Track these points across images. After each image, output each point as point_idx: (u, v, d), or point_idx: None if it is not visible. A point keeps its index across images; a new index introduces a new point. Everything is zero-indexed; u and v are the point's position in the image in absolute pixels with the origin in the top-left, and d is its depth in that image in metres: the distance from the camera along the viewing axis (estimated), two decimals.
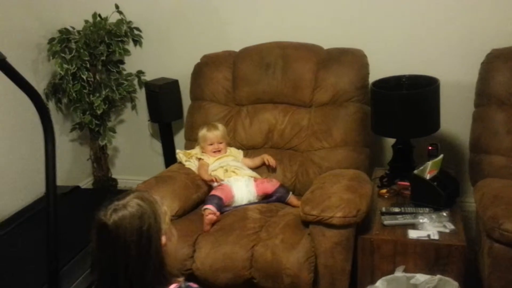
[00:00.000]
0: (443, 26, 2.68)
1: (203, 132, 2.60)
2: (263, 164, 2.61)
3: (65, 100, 3.30)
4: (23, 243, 2.54)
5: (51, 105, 3.30)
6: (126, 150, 3.67)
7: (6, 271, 2.30)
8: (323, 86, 2.60)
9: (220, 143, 2.60)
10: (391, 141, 2.59)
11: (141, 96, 3.39)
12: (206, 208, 2.28)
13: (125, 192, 1.29)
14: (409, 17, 2.72)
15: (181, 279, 1.36)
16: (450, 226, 2.09)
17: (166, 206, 1.35)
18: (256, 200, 2.44)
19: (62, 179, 3.45)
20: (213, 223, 2.24)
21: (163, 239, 1.30)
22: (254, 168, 2.61)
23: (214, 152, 2.58)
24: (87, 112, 3.23)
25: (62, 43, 3.11)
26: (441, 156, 2.32)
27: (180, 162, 2.67)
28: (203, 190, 2.49)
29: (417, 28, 2.72)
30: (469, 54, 2.59)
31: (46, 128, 1.98)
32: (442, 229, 2.08)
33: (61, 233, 2.13)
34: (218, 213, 2.27)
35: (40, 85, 3.23)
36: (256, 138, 2.70)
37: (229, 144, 2.69)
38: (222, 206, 2.34)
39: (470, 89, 2.49)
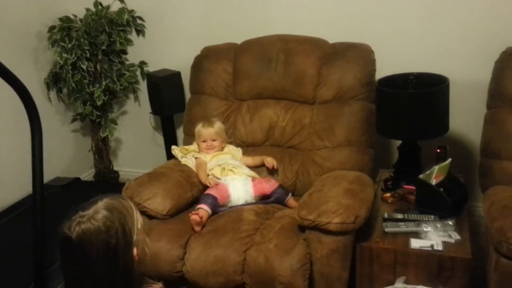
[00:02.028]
0: (455, 21, 2.52)
1: (198, 128, 2.51)
2: (263, 164, 2.50)
3: (65, 90, 3.23)
4: (12, 240, 2.47)
5: (52, 94, 3.25)
6: (129, 142, 3.60)
7: None
8: (327, 82, 2.47)
9: (214, 140, 2.49)
10: (397, 141, 2.46)
11: (143, 87, 3.30)
12: (200, 208, 2.19)
13: (92, 200, 1.20)
14: (418, 11, 2.57)
15: (159, 285, 1.28)
16: (455, 236, 1.98)
17: (139, 213, 1.25)
18: (254, 201, 2.34)
19: (63, 170, 3.40)
20: (202, 225, 2.14)
21: (134, 251, 1.21)
22: (254, 167, 2.50)
23: (207, 149, 2.49)
24: (88, 103, 3.18)
25: (62, 31, 3.04)
26: (449, 160, 2.19)
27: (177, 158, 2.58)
28: (198, 189, 2.39)
29: (426, 22, 2.57)
30: (482, 52, 2.44)
31: (32, 120, 1.90)
32: (447, 239, 1.97)
33: (56, 228, 2.07)
34: (204, 215, 2.17)
35: (41, 75, 3.19)
36: (256, 135, 2.60)
37: (228, 142, 2.59)
38: (217, 206, 2.25)
39: (482, 89, 2.35)
